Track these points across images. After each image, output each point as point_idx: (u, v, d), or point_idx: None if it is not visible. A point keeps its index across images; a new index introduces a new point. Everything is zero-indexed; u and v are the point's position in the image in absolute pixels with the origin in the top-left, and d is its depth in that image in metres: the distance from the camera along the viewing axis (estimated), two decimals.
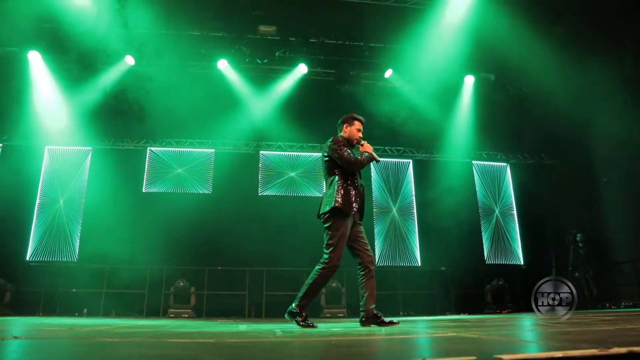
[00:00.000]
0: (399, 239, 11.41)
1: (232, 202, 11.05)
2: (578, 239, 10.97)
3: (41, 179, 10.59)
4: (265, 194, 11.37)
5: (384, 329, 3.54)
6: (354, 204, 4.01)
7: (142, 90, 10.52)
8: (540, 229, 11.89)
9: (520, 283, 11.33)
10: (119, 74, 10.48)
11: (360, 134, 4.32)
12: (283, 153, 11.63)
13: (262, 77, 11.21)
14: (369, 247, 4.16)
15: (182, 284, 9.65)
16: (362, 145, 4.22)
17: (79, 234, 10.43)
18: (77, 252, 10.35)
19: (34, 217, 10.36)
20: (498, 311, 10.13)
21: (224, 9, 10.47)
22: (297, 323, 3.87)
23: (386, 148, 11.98)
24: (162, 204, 10.92)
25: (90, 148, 10.87)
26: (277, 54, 10.82)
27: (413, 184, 11.85)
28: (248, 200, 11.18)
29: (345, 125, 4.33)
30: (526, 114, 12.09)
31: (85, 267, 10.15)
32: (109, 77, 10.41)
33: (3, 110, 10.27)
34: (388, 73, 11.30)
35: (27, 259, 10.19)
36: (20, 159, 10.51)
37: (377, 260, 11.21)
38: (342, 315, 9.68)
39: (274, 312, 10.21)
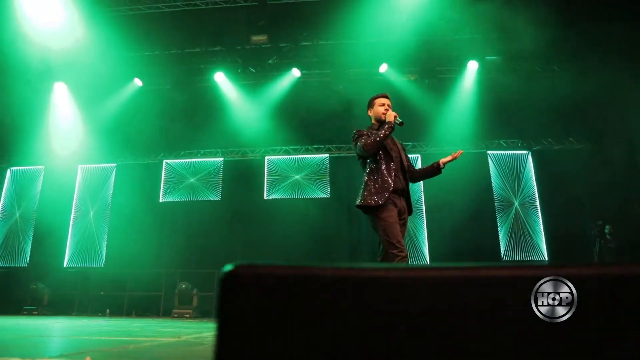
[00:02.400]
0: (406, 237, 11.02)
1: (239, 207, 11.56)
2: (606, 231, 9.83)
3: (75, 194, 11.97)
4: (271, 197, 11.69)
5: None
6: (382, 193, 3.68)
7: (155, 108, 11.48)
8: (568, 221, 10.73)
9: None
10: (130, 95, 11.49)
11: (385, 107, 3.95)
12: (287, 157, 11.87)
13: (258, 85, 11.58)
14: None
15: (184, 286, 10.31)
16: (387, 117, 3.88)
17: (106, 242, 11.60)
18: (104, 258, 11.53)
19: (70, 229, 11.73)
20: None
21: (219, 25, 11.03)
22: None
23: None
24: (176, 212, 11.78)
25: (114, 164, 12.05)
26: (269, 61, 11.14)
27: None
28: (255, 205, 11.59)
29: (369, 111, 4.10)
30: (550, 95, 11.08)
31: (111, 271, 11.29)
32: (122, 99, 11.47)
33: (43, 137, 11.78)
34: (383, 68, 11.05)
35: (64, 265, 11.58)
36: (58, 177, 12.00)
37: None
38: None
39: None
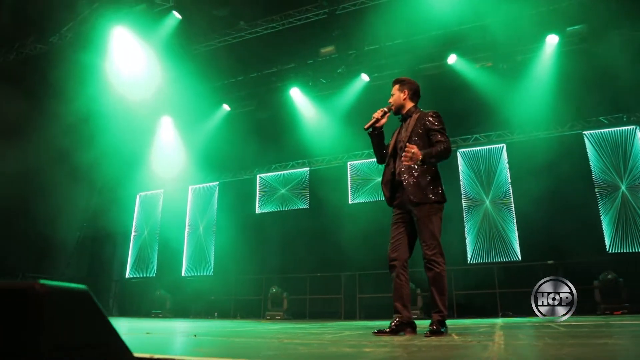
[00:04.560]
0: (494, 232, 10.39)
1: (326, 213, 12.02)
2: None
3: (187, 211, 13.64)
4: (355, 202, 11.94)
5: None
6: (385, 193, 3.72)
7: (244, 128, 12.61)
8: None
9: None
10: (221, 119, 12.80)
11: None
12: (369, 160, 12.01)
13: (331, 95, 11.99)
14: (424, 241, 3.40)
15: (274, 290, 11.05)
16: None
17: (214, 253, 12.99)
18: (212, 267, 12.91)
19: (185, 242, 13.40)
20: (607, 312, 8.28)
21: (291, 43, 11.71)
22: None
23: (477, 136, 11.14)
24: (271, 221, 12.69)
25: (217, 183, 13.47)
26: (338, 71, 11.47)
27: (508, 170, 10.64)
28: (340, 210, 11.93)
29: None
30: None
31: (218, 278, 12.60)
32: (215, 123, 12.83)
33: (159, 165, 13.69)
34: (451, 59, 10.63)
35: (182, 274, 13.24)
36: (174, 198, 13.82)
37: (469, 258, 10.49)
38: (415, 316, 9.47)
39: (370, 313, 10.69)
